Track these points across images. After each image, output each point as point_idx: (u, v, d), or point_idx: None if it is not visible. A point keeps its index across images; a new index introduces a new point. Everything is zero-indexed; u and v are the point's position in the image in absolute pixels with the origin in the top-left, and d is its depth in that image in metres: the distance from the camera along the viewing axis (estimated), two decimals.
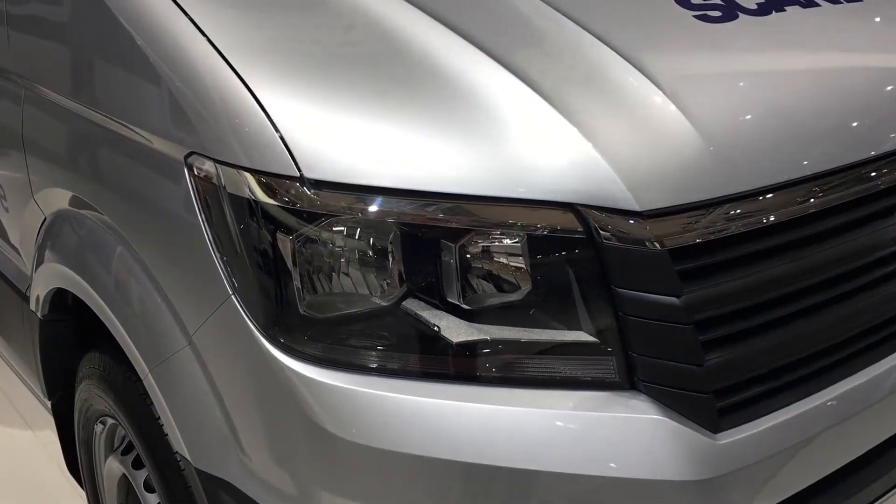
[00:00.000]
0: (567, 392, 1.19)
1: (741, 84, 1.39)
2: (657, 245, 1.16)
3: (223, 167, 1.25)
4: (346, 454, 1.19)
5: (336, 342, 1.22)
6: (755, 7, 1.53)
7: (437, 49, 1.31)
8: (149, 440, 1.54)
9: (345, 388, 1.19)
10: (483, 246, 1.19)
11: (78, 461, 2.00)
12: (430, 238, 1.20)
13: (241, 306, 1.25)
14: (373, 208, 1.18)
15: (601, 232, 1.17)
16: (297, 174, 1.18)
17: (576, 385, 1.20)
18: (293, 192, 1.19)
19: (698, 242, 1.19)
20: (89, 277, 1.58)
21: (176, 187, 1.33)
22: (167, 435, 1.44)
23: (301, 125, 1.21)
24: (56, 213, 1.72)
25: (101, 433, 1.84)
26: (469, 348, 1.19)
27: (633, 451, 1.16)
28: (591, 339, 1.19)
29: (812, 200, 1.29)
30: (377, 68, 1.32)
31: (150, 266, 1.41)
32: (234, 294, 1.25)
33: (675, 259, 1.17)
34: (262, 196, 1.21)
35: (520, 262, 1.19)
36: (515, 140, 1.21)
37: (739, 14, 1.50)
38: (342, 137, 1.20)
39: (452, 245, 1.18)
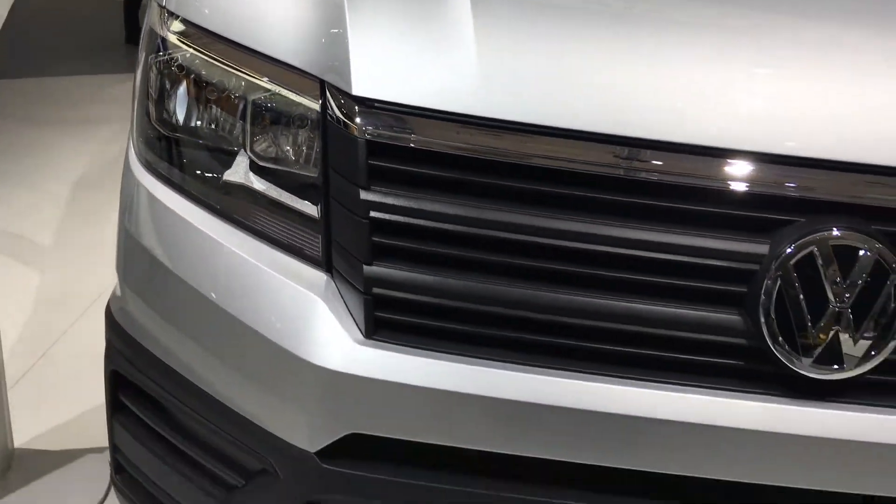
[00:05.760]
0: (272, 251, 1.27)
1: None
2: (358, 131, 1.15)
3: None
4: None
5: None
6: None
7: None
8: None
9: None
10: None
11: None
12: None
13: None
14: None
15: (329, 107, 1.19)
16: None
17: (289, 250, 1.26)
18: None
19: (397, 145, 1.15)
20: None
21: None
22: None
23: None
24: None
25: None
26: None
27: (289, 321, 1.21)
28: (313, 214, 1.24)
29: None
30: None
31: None
32: None
33: (372, 153, 1.15)
34: None
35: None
36: None
37: None
38: None
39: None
